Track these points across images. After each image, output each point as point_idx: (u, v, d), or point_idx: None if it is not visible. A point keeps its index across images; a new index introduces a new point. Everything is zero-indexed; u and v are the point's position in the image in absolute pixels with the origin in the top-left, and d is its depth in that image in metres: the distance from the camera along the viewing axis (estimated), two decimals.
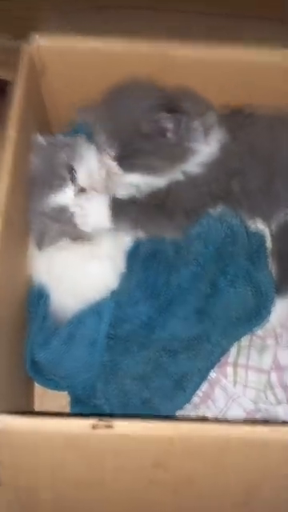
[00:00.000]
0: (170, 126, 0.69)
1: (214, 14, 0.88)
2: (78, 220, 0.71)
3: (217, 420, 0.68)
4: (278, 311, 0.76)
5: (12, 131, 0.63)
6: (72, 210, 0.71)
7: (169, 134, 0.70)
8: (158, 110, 0.68)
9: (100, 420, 0.50)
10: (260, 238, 0.77)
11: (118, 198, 0.73)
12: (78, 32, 0.70)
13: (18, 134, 0.64)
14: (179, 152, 0.71)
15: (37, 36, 0.69)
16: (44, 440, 0.51)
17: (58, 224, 0.72)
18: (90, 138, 0.76)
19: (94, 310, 0.72)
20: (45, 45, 0.69)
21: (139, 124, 0.69)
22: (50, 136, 0.76)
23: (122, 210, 0.72)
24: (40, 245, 0.72)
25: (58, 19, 0.74)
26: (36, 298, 0.74)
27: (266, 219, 0.77)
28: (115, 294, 0.73)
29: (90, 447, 0.51)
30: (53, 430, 0.50)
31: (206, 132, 0.72)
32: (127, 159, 0.71)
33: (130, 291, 0.73)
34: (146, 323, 0.72)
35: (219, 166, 0.74)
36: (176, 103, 0.69)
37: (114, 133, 0.70)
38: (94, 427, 0.49)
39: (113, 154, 0.71)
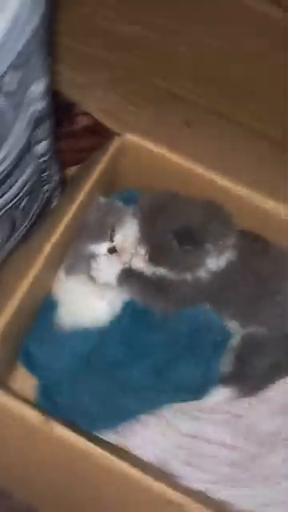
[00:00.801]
0: (177, 251, 0.87)
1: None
2: (93, 273, 0.91)
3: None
4: (216, 395, 0.93)
5: (81, 195, 0.86)
6: (92, 266, 0.91)
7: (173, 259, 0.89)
8: (174, 235, 0.87)
9: (44, 418, 0.71)
10: (229, 335, 0.95)
11: (129, 270, 0.91)
12: (162, 140, 0.90)
13: (85, 197, 0.86)
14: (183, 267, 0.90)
15: (127, 134, 0.90)
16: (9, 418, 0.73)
17: (86, 264, 0.92)
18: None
19: (86, 335, 0.92)
20: (130, 142, 0.90)
21: (164, 237, 0.88)
22: (108, 199, 0.96)
23: (127, 280, 0.91)
24: (68, 272, 0.93)
25: (147, 122, 0.95)
26: (49, 308, 0.94)
27: (242, 325, 0.94)
28: (104, 330, 0.93)
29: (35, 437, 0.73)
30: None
31: (219, 252, 0.89)
32: (154, 259, 0.90)
33: (114, 332, 0.93)
34: (115, 362, 0.92)
35: (223, 277, 0.90)
36: (191, 235, 0.87)
37: (148, 236, 0.90)
38: (39, 422, 0.71)
39: (143, 251, 0.90)
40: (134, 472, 0.71)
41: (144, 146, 0.91)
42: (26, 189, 0.80)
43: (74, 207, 0.86)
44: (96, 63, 1.26)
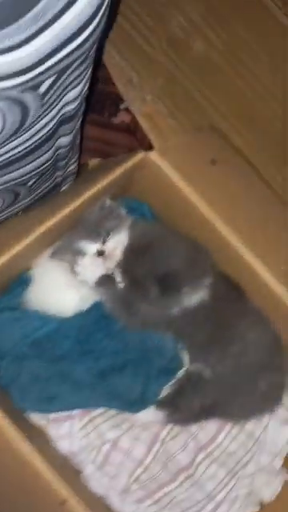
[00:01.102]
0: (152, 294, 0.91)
1: None
2: (76, 268, 0.93)
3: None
4: (148, 414, 0.97)
5: (87, 194, 0.88)
6: (77, 261, 0.93)
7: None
8: (156, 281, 0.91)
9: None
10: (180, 365, 0.99)
11: (109, 277, 0.94)
12: (184, 168, 0.92)
13: (90, 198, 0.89)
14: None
15: (152, 152, 0.91)
16: None
17: (71, 256, 0.95)
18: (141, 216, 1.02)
19: (45, 320, 0.96)
20: (152, 161, 0.92)
21: (144, 279, 0.92)
22: (114, 202, 0.98)
23: (105, 286, 0.94)
24: (53, 256, 0.96)
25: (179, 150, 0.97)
26: (22, 283, 0.98)
27: (191, 360, 0.98)
28: (64, 321, 0.97)
29: None
30: None
31: (195, 291, 0.93)
32: (132, 292, 0.93)
33: (73, 326, 0.96)
34: (65, 353, 0.96)
35: (192, 313, 0.94)
36: (171, 279, 0.91)
37: (129, 271, 0.94)
38: None
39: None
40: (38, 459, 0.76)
41: (163, 170, 0.92)
42: (37, 171, 0.83)
43: (78, 202, 0.89)
44: (156, 67, 1.28)
